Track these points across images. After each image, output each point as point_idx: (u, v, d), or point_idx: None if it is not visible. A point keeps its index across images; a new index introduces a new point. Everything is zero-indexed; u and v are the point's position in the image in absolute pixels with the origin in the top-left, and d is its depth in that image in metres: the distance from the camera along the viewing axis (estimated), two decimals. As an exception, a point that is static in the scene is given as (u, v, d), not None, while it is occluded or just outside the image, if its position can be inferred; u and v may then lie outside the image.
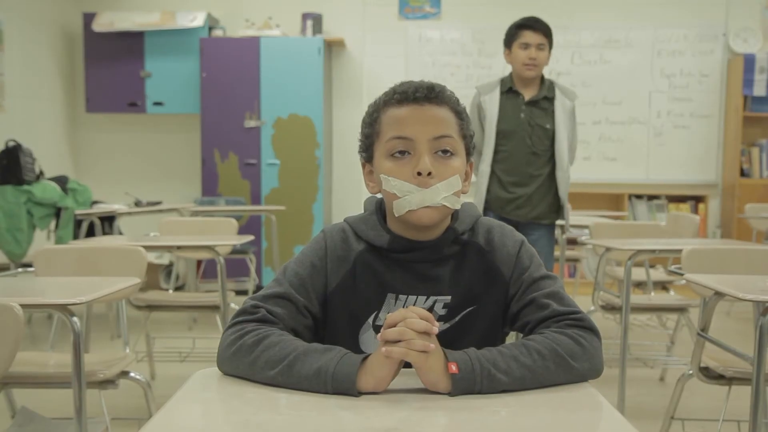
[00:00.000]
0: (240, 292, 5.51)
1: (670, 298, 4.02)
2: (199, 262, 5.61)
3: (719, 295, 2.01)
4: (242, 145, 6.01)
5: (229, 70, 5.98)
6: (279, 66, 5.97)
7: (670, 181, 6.36)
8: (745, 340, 1.97)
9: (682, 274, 2.40)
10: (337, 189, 6.59)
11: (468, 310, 1.25)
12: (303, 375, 1.07)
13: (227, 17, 6.44)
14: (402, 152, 1.22)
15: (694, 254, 2.55)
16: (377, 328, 1.23)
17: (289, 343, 1.12)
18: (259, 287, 5.78)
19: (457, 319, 1.25)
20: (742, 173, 6.23)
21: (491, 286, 1.26)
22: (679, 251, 2.58)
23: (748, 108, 6.17)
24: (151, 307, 3.37)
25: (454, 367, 1.05)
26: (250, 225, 5.95)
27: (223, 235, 3.73)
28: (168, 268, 5.79)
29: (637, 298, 3.73)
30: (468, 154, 1.28)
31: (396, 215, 1.23)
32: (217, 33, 6.22)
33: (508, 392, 1.07)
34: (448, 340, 1.14)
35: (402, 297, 1.25)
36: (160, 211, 5.24)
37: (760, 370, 1.81)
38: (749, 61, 6.06)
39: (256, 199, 6.03)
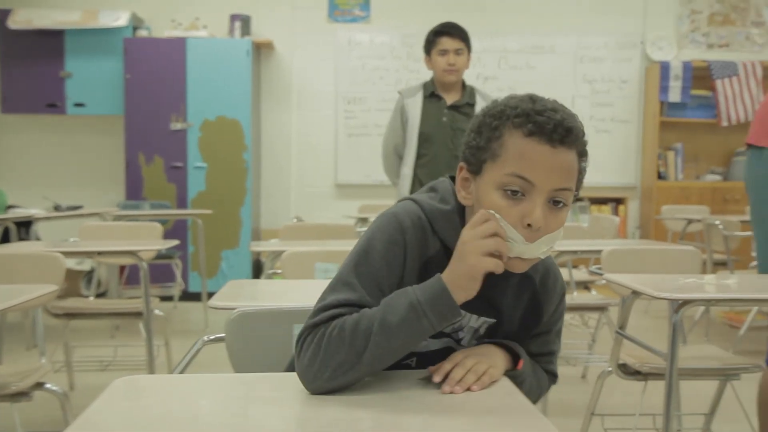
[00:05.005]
0: (165, 298, 5.40)
1: (592, 297, 4.13)
2: (122, 268, 5.47)
3: (636, 294, 2.08)
4: (168, 147, 5.89)
5: (154, 71, 5.86)
6: (206, 68, 5.88)
7: (593, 183, 6.54)
8: (662, 337, 2.04)
9: (601, 274, 2.48)
10: (266, 192, 6.54)
11: (493, 321, 1.23)
12: (397, 322, 1.05)
13: (152, 17, 6.30)
14: (516, 191, 1.09)
15: (613, 255, 2.64)
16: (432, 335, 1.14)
17: (366, 312, 1.08)
18: (185, 292, 5.68)
19: (484, 329, 1.23)
20: (659, 176, 6.46)
21: (529, 323, 1.25)
22: (600, 252, 2.66)
23: (664, 113, 6.41)
24: (70, 315, 3.27)
25: (522, 363, 1.18)
26: (176, 229, 5.84)
27: (146, 240, 3.66)
28: (89, 275, 5.63)
29: (561, 298, 3.81)
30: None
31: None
32: (142, 33, 6.08)
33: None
34: (472, 343, 1.21)
35: (463, 312, 1.17)
36: (81, 215, 5.09)
37: (672, 366, 1.88)
38: (665, 69, 6.30)
39: (182, 203, 5.92)
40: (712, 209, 5.99)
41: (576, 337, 4.48)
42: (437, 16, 3.96)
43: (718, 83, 6.28)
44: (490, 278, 1.10)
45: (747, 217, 2.57)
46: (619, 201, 6.55)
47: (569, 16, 6.36)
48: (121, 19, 5.94)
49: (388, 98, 6.18)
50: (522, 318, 1.24)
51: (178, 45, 5.86)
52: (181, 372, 1.49)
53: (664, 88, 6.31)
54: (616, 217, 5.66)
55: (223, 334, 1.46)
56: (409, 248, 1.14)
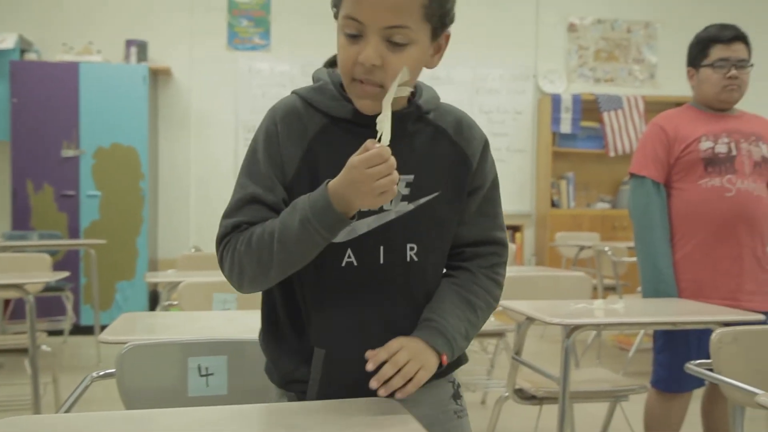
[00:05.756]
0: (54, 333, 5.14)
1: (490, 323, 4.22)
2: (7, 302, 5.19)
3: (530, 319, 2.15)
4: (59, 175, 5.66)
5: (44, 96, 5.63)
6: (100, 93, 5.70)
7: (490, 211, 6.71)
8: (558, 361, 2.11)
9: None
10: (163, 221, 6.37)
11: (432, 195, 1.22)
12: (298, 240, 1.11)
13: (42, 41, 6.07)
14: (353, 35, 1.14)
15: (510, 282, 2.70)
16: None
17: (268, 227, 1.14)
18: (76, 326, 5.44)
19: (421, 202, 1.21)
20: (553, 204, 6.71)
21: (457, 174, 1.25)
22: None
23: (556, 143, 6.68)
24: (-51, 353, 3.07)
25: (445, 358, 1.19)
26: (67, 260, 5.60)
27: (34, 272, 3.49)
28: (-28, 309, 5.31)
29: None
30: (443, 26, 1.19)
31: (344, 84, 1.19)
32: (31, 56, 5.85)
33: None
34: (410, 225, 1.20)
35: None
36: (-37, 247, 4.81)
37: (565, 389, 1.94)
38: (556, 101, 6.57)
39: (74, 232, 5.69)
40: (603, 236, 6.26)
41: (475, 363, 4.55)
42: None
43: (605, 115, 6.60)
44: (394, 141, 1.10)
45: (633, 244, 2.69)
46: (515, 228, 6.74)
47: (466, 48, 6.54)
48: (7, 42, 5.70)
49: (289, 127, 6.17)
50: (449, 168, 1.24)
51: (71, 70, 5.66)
52: (68, 411, 1.42)
53: (555, 120, 6.58)
54: (513, 244, 5.83)
55: (114, 370, 1.41)
56: (282, 136, 1.19)
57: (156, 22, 6.28)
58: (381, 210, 1.19)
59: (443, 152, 1.25)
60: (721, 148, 2.50)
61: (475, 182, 1.27)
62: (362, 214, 1.17)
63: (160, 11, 6.31)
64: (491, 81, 6.64)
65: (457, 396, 1.32)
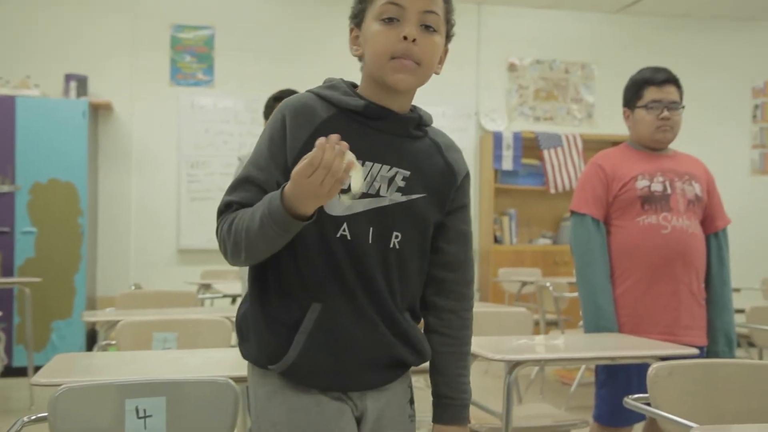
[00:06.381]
0: (-15, 375, 4.95)
1: (435, 359, 4.22)
2: (-65, 343, 4.97)
3: (473, 355, 2.15)
4: (-8, 211, 5.49)
5: (-22, 131, 5.48)
6: (38, 128, 5.57)
7: (434, 247, 6.75)
8: (501, 397, 2.12)
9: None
10: (103, 258, 6.22)
11: (421, 195, 1.37)
12: (259, 234, 1.24)
13: (-23, 74, 5.93)
14: (391, 19, 1.31)
15: (453, 317, 2.72)
16: (342, 191, 1.27)
17: (245, 216, 1.27)
18: (8, 368, 5.23)
19: (412, 197, 1.36)
20: (496, 240, 6.79)
21: (443, 185, 1.41)
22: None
23: (498, 180, 6.78)
24: None
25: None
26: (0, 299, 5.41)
27: (-36, 312, 3.36)
28: None
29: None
30: (447, 38, 1.40)
31: (377, 67, 1.32)
32: (-35, 90, 5.70)
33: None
34: (398, 215, 1.34)
35: (368, 164, 1.32)
36: None
37: (508, 425, 1.95)
38: (498, 138, 6.70)
39: (7, 270, 5.50)
40: (544, 271, 6.35)
41: (421, 401, 4.53)
42: (280, 82, 4.00)
43: (545, 153, 6.75)
44: (396, 127, 1.36)
45: (574, 279, 2.74)
46: (459, 264, 6.77)
47: (410, 87, 6.63)
48: (-58, 75, 5.55)
49: (232, 162, 6.13)
50: (439, 177, 1.41)
51: (7, 104, 5.53)
52: (-3, 458, 1.36)
53: (497, 157, 6.70)
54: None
55: (47, 413, 1.36)
56: (290, 122, 1.32)
57: (97, 57, 6.20)
58: (378, 194, 1.33)
59: (436, 162, 1.41)
60: (657, 187, 2.58)
61: (456, 201, 1.45)
62: (361, 195, 1.31)
63: (102, 46, 6.23)
64: (435, 118, 6.68)
65: (412, 401, 1.48)
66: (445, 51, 1.41)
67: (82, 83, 5.94)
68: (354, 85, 1.40)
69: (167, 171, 6.34)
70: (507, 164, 6.71)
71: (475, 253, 6.90)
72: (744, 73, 7.46)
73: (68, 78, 5.92)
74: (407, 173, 1.36)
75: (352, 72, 1.41)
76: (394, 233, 1.35)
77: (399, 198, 1.35)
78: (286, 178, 1.24)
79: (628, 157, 2.68)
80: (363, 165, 1.31)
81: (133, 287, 5.47)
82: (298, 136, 1.31)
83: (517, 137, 6.73)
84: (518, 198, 6.96)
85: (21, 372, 5.14)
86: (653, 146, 2.68)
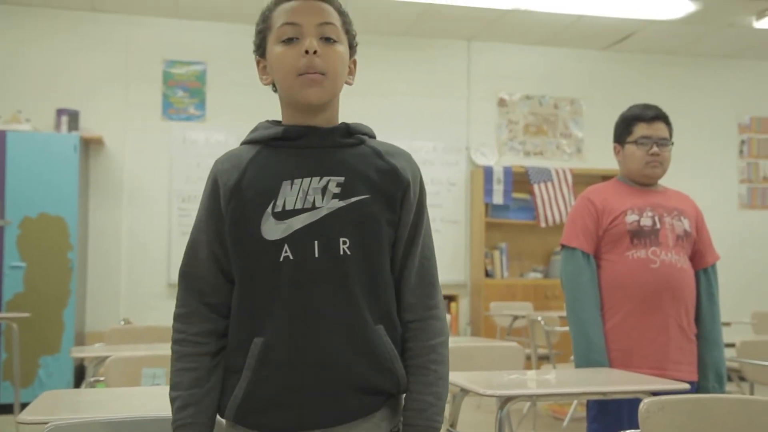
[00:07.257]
0: (-29, 412, 4.88)
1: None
2: None
3: (465, 391, 2.15)
4: (-19, 246, 5.46)
5: (-32, 165, 5.48)
6: (29, 163, 5.57)
7: (425, 281, 6.74)
8: (490, 433, 2.10)
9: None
10: (92, 294, 6.18)
11: (362, 197, 1.33)
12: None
13: (-31, 108, 5.95)
14: (290, 39, 1.34)
15: (444, 352, 2.70)
16: (276, 215, 1.30)
17: (179, 365, 1.33)
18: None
19: (352, 200, 1.32)
20: (487, 274, 6.79)
21: (387, 183, 1.36)
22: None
23: (489, 214, 6.81)
24: None
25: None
26: (-14, 335, 5.36)
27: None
28: None
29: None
30: (351, 48, 1.42)
31: (287, 87, 1.36)
32: (-44, 124, 5.71)
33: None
34: (342, 221, 1.30)
35: (297, 180, 1.32)
36: None
37: (501, 461, 1.93)
38: (488, 173, 6.74)
39: (-5, 305, 5.46)
40: (536, 305, 6.34)
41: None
42: (272, 117, 4.03)
43: (536, 187, 6.79)
44: (320, 141, 1.36)
45: (565, 313, 2.75)
46: (451, 298, 6.78)
47: (402, 120, 6.67)
48: (-66, 109, 5.56)
49: (224, 197, 6.13)
50: (380, 177, 1.36)
51: (-2, 138, 5.54)
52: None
53: (488, 191, 6.73)
54: (449, 314, 5.85)
55: (33, 453, 1.34)
56: (220, 177, 1.36)
57: (89, 91, 6.23)
58: (313, 207, 1.30)
59: (376, 164, 1.38)
60: (646, 221, 2.60)
61: (409, 211, 1.38)
62: (296, 212, 1.29)
63: (94, 80, 6.26)
64: (425, 153, 6.76)
65: None
66: (354, 62, 1.43)
67: (73, 117, 5.96)
68: (278, 121, 1.43)
69: (158, 205, 6.33)
70: (498, 198, 6.74)
71: (466, 287, 6.89)
72: (730, 110, 7.56)
73: (59, 112, 5.94)
74: (341, 179, 1.33)
75: (343, 100, 1.42)
76: (341, 239, 1.30)
77: (337, 204, 1.31)
78: (224, 228, 1.33)
79: (618, 191, 2.70)
80: (292, 184, 1.31)
81: (122, 322, 5.43)
82: (228, 182, 1.34)
83: (508, 171, 6.77)
84: (509, 232, 6.98)
85: (7, 409, 5.07)
86: (643, 181, 2.70)
